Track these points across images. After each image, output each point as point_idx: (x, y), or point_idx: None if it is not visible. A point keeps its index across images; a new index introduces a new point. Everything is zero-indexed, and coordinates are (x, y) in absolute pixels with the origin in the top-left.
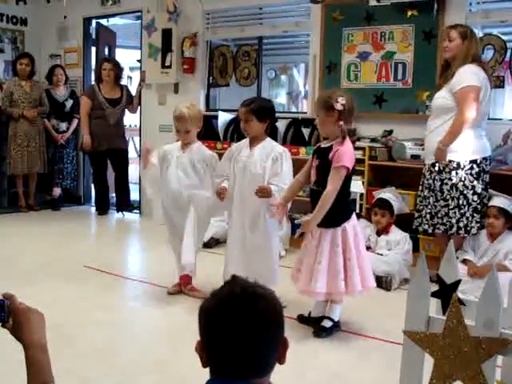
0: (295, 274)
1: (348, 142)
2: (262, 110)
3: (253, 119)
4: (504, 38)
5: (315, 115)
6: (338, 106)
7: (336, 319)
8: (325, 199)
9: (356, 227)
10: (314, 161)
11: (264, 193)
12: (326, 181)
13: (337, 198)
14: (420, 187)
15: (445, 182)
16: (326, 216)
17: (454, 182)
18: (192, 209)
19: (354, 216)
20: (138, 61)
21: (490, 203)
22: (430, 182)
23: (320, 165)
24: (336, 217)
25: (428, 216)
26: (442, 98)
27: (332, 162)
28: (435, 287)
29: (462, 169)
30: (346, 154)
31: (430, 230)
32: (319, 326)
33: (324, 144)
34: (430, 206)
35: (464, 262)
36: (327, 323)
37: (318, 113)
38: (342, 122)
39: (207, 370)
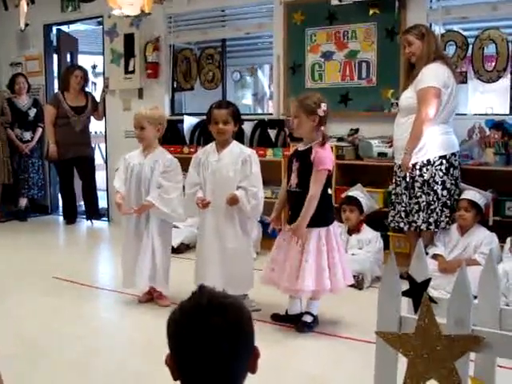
0: (269, 274)
1: (328, 145)
2: (238, 113)
3: (231, 122)
4: (465, 33)
5: (292, 115)
6: (321, 112)
7: (315, 314)
8: (310, 202)
9: (336, 228)
10: (294, 164)
11: (233, 202)
12: (308, 183)
13: (322, 200)
14: (393, 185)
15: (415, 179)
16: (313, 216)
17: (424, 178)
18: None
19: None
20: (92, 67)
21: (462, 196)
22: (401, 179)
23: (300, 167)
24: (322, 217)
25: (403, 214)
26: (409, 98)
27: (313, 164)
28: (406, 284)
29: (432, 165)
30: (327, 158)
31: (405, 228)
32: (301, 322)
33: (301, 147)
34: (403, 204)
35: (434, 256)
36: (308, 318)
37: (296, 114)
38: (323, 128)
39: None
